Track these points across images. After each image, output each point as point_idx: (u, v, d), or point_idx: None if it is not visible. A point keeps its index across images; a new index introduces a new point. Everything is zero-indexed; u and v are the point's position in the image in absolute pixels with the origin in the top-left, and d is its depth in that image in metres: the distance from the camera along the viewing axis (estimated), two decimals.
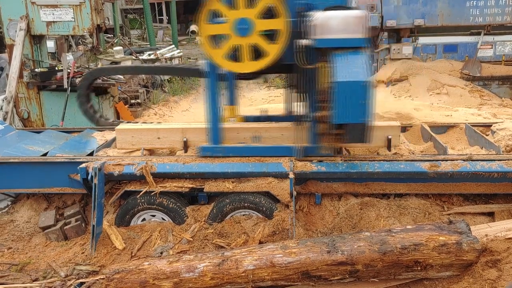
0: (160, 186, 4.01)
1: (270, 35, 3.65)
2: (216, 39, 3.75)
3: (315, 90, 3.72)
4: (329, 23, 3.41)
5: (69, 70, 6.95)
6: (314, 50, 3.52)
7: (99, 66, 5.92)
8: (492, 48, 9.99)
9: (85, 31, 6.67)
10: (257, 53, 3.70)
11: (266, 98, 10.91)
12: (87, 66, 8.71)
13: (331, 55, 3.44)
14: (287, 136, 4.20)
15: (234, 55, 3.73)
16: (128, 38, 20.03)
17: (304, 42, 3.48)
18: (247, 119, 4.72)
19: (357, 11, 3.47)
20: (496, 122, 4.99)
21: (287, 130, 4.22)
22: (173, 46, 16.17)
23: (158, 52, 13.79)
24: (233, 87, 4.59)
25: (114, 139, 4.66)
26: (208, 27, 3.68)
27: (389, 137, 4.10)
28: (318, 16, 3.42)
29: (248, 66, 3.70)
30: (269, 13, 3.64)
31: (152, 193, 4.01)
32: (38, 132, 5.19)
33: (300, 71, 3.63)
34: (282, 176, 3.90)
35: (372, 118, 3.42)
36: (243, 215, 4.05)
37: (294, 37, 3.55)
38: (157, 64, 10.82)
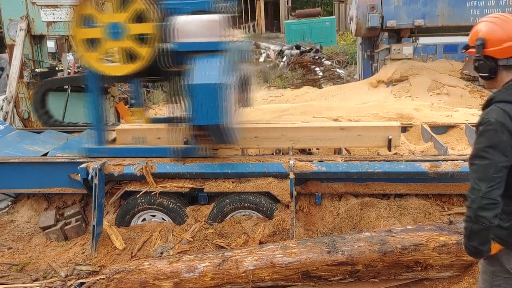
0: (160, 186, 4.01)
1: (143, 39, 3.72)
2: (92, 43, 3.81)
3: (182, 93, 3.82)
4: (186, 27, 3.51)
5: (69, 70, 6.95)
6: (177, 54, 3.61)
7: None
8: None
9: None
10: (132, 56, 3.78)
11: (266, 98, 10.91)
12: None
13: (190, 58, 3.53)
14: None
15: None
16: None
17: (167, 46, 3.57)
18: (154, 120, 4.81)
19: (212, 15, 3.54)
20: None
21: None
22: None
23: None
24: (138, 91, 4.67)
25: (114, 139, 4.65)
26: (81, 31, 3.77)
27: (390, 137, 4.10)
28: (178, 21, 3.51)
29: (122, 69, 3.79)
30: (140, 17, 3.70)
31: (152, 193, 4.01)
32: (39, 132, 5.19)
33: (170, 75, 3.71)
34: (282, 176, 3.90)
35: (228, 119, 3.50)
36: (243, 215, 4.05)
37: (162, 41, 3.64)
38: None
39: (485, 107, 2.16)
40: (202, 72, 3.45)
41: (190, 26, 3.49)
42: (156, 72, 3.93)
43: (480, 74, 2.15)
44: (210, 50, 3.52)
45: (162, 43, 3.60)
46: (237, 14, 4.71)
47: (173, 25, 3.49)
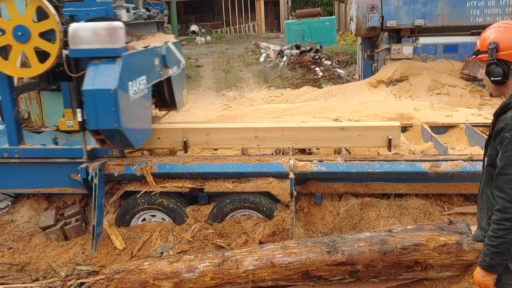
0: (160, 186, 4.01)
1: (51, 40, 3.77)
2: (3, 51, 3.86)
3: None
4: (78, 34, 3.55)
5: None
6: (76, 60, 3.68)
7: None
8: None
9: None
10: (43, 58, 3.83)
11: (266, 98, 10.91)
12: None
13: (87, 65, 3.59)
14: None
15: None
16: None
17: (65, 51, 3.63)
18: None
19: (107, 22, 3.58)
20: None
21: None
22: None
23: None
24: (68, 92, 4.69)
25: None
26: None
27: (390, 137, 4.11)
28: (71, 27, 3.56)
29: (37, 69, 3.83)
30: (42, 16, 3.74)
31: (152, 193, 4.01)
32: (39, 132, 5.19)
33: (75, 80, 3.76)
34: (282, 176, 3.90)
35: (123, 124, 3.56)
36: (243, 215, 4.05)
37: (64, 47, 3.69)
38: None
39: (500, 113, 2.15)
40: (96, 78, 3.51)
41: (83, 33, 3.54)
42: (66, 76, 3.97)
43: (493, 79, 2.15)
44: (106, 56, 3.56)
45: (64, 49, 3.65)
46: (162, 19, 4.79)
47: (70, 31, 3.55)
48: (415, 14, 9.92)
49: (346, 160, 3.98)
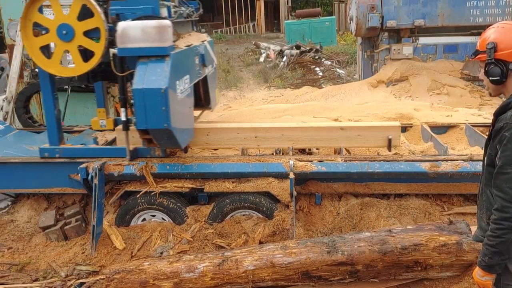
0: (160, 186, 4.01)
1: (95, 39, 3.77)
2: (42, 49, 3.86)
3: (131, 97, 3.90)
4: (128, 32, 3.52)
5: None
6: (123, 59, 3.65)
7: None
8: None
9: None
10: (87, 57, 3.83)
11: (266, 98, 10.91)
12: None
13: (136, 63, 3.56)
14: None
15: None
16: None
17: (112, 50, 3.61)
18: (118, 121, 4.78)
19: (157, 21, 3.55)
20: None
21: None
22: None
23: None
24: (101, 92, 4.74)
25: (114, 139, 4.66)
26: (36, 40, 3.80)
27: (390, 137, 4.11)
28: (120, 26, 3.53)
29: (80, 68, 3.82)
30: (86, 15, 3.74)
31: (152, 193, 4.01)
32: (39, 132, 5.19)
33: (120, 79, 3.75)
34: (282, 176, 3.90)
35: (172, 124, 3.52)
36: (243, 215, 4.05)
37: (113, 46, 3.67)
38: None
39: (500, 112, 2.15)
40: (146, 77, 3.48)
41: (132, 32, 3.51)
42: (111, 75, 3.95)
43: (491, 78, 2.17)
44: (155, 55, 3.54)
45: (110, 47, 3.64)
46: (197, 18, 4.78)
47: (119, 30, 3.52)
48: (415, 14, 9.92)
49: (346, 160, 3.98)
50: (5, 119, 6.02)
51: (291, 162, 3.92)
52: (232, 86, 13.02)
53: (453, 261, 3.19)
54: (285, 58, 15.37)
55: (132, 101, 3.61)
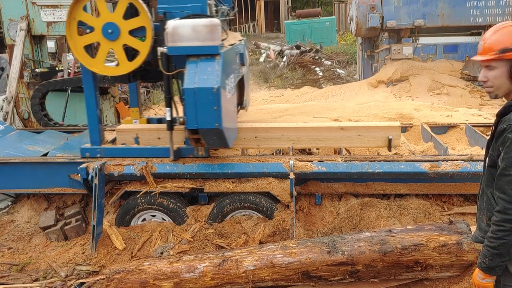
0: (160, 187, 4.01)
1: (140, 37, 3.76)
2: (86, 48, 3.84)
3: (179, 96, 3.88)
4: (178, 31, 3.48)
5: (69, 70, 6.95)
6: (178, 58, 3.61)
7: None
8: None
9: None
10: (131, 56, 3.83)
11: (267, 99, 10.92)
12: None
13: (186, 62, 3.53)
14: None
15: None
16: None
17: (161, 49, 3.58)
18: (150, 121, 4.81)
19: (208, 19, 3.52)
20: None
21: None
22: None
23: None
24: (135, 91, 4.71)
25: (114, 139, 4.66)
26: (80, 39, 3.78)
27: (390, 137, 4.10)
28: (170, 24, 3.49)
29: (125, 67, 3.80)
30: (132, 13, 3.74)
31: (152, 193, 4.01)
32: (39, 132, 5.19)
33: (166, 78, 3.72)
34: (283, 176, 3.90)
35: (223, 123, 3.48)
36: (243, 215, 4.05)
37: (158, 44, 3.65)
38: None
39: (503, 113, 2.12)
40: (197, 76, 3.44)
41: (183, 30, 3.47)
42: (154, 74, 3.94)
43: None
44: (206, 54, 3.52)
45: (157, 46, 3.62)
46: (233, 17, 4.74)
47: (169, 28, 3.49)
48: (415, 14, 9.93)
49: (346, 160, 3.97)
50: (5, 119, 6.02)
51: (291, 162, 3.92)
52: None
53: (453, 261, 3.19)
54: (285, 58, 15.38)
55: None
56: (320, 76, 13.81)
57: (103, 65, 3.84)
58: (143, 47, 3.69)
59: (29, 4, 6.53)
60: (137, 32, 3.72)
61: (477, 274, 2.24)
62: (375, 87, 10.23)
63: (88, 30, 3.76)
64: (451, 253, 3.17)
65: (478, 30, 10.01)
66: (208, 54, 3.50)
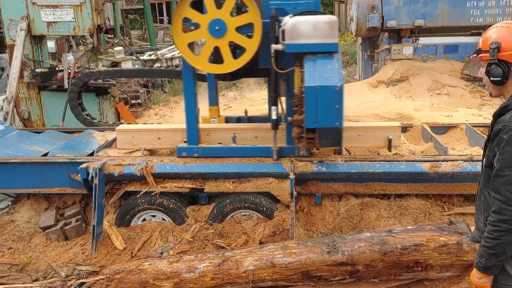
0: (160, 187, 4.01)
1: (247, 34, 3.70)
2: (189, 46, 3.79)
3: (290, 94, 3.78)
4: (298, 28, 3.40)
5: (69, 71, 6.96)
6: (287, 55, 3.55)
7: (99, 67, 6.21)
8: None
9: (85, 31, 6.67)
10: (234, 54, 3.76)
11: (267, 99, 10.90)
12: (88, 66, 8.72)
13: (302, 60, 3.45)
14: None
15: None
16: (129, 38, 20.03)
17: (276, 46, 3.51)
18: (228, 120, 4.76)
19: (327, 16, 3.46)
20: None
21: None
22: (173, 46, 16.16)
23: (158, 52, 13.79)
24: (214, 89, 4.66)
25: (114, 139, 4.66)
26: (185, 36, 3.72)
27: (390, 137, 4.10)
28: (288, 21, 3.42)
29: (230, 65, 3.72)
30: (239, 10, 3.68)
31: (153, 194, 4.01)
32: (39, 133, 5.19)
33: (276, 76, 3.67)
34: (283, 176, 3.90)
35: (342, 122, 3.41)
36: (244, 215, 4.05)
37: (269, 42, 3.57)
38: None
39: (499, 114, 2.14)
40: (317, 74, 3.33)
41: (303, 27, 3.37)
42: (260, 73, 3.87)
43: (492, 79, 2.14)
44: (324, 52, 3.43)
45: (270, 44, 3.54)
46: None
47: (288, 25, 3.40)
48: (415, 14, 9.93)
49: (346, 160, 3.97)
50: (5, 119, 6.03)
51: (291, 162, 3.91)
52: (232, 86, 13.02)
53: (453, 261, 3.19)
54: None
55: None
56: None
57: (207, 63, 3.75)
58: (251, 44, 3.60)
59: (29, 4, 6.54)
60: (244, 29, 3.63)
61: (474, 273, 2.26)
62: (375, 87, 10.23)
63: (192, 27, 3.69)
64: (451, 253, 3.17)
65: (478, 30, 10.01)
66: (325, 51, 3.43)
